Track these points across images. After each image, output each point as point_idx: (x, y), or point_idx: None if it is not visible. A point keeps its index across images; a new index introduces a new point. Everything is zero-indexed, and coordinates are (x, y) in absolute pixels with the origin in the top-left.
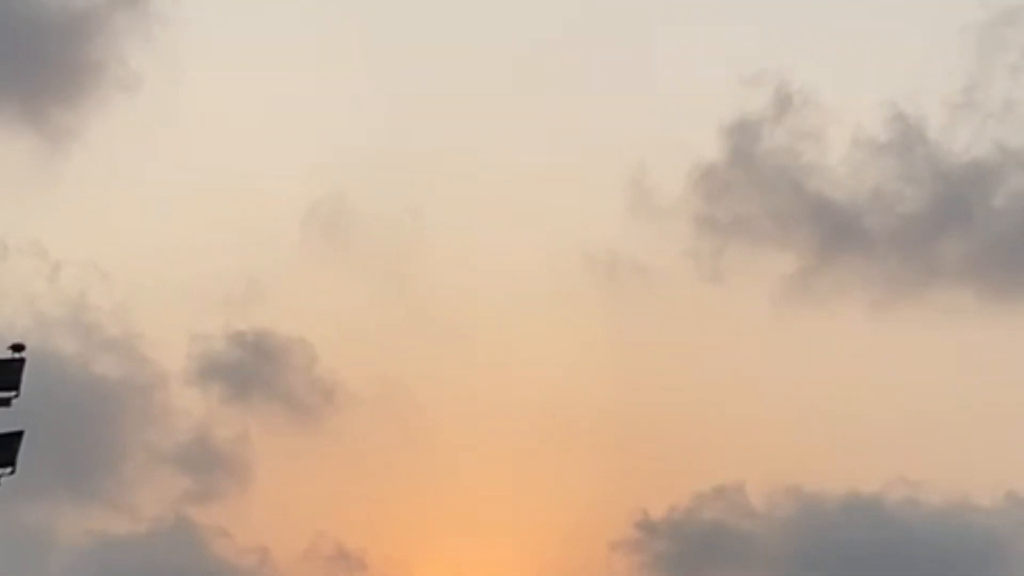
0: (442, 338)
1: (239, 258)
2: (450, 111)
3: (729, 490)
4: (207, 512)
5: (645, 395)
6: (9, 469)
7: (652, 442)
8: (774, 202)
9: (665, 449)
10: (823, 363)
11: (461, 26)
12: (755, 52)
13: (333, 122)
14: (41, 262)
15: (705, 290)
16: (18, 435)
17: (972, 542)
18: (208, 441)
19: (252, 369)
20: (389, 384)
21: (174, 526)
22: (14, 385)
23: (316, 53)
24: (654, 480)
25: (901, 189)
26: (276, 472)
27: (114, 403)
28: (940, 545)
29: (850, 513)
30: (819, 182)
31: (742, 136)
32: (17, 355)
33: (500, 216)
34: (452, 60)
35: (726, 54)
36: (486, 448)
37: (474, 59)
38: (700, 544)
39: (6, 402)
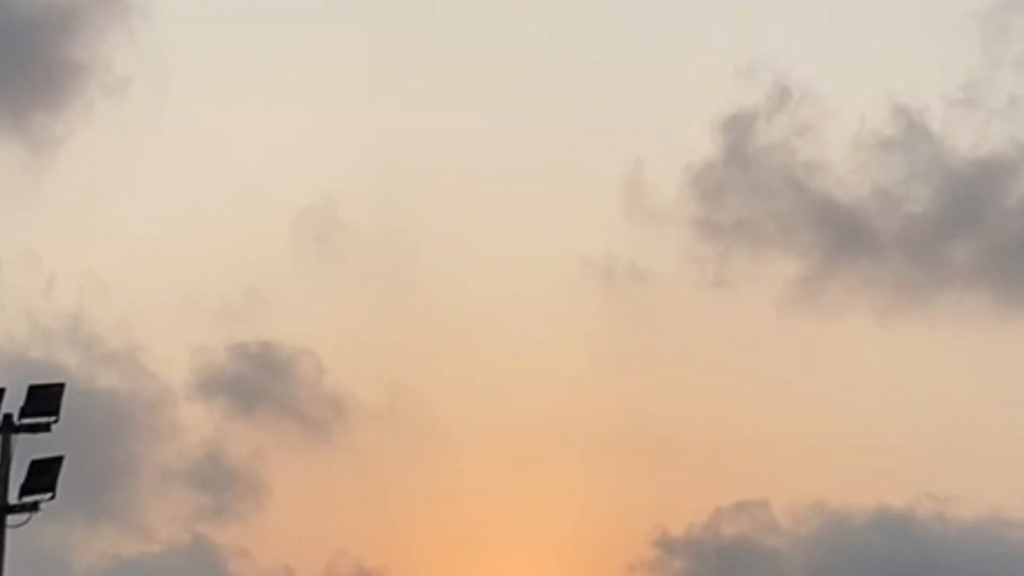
0: (447, 346)
1: (235, 265)
2: (441, 113)
3: (752, 506)
4: (224, 531)
5: (656, 406)
6: (49, 494)
7: (668, 456)
8: (775, 203)
9: (681, 464)
10: (836, 371)
11: (454, 30)
12: (749, 43)
13: (325, 123)
14: (36, 273)
15: (708, 296)
16: (58, 460)
17: (1004, 558)
18: (220, 458)
19: (259, 382)
20: (400, 394)
21: (191, 546)
22: (54, 410)
23: (308, 53)
24: (672, 496)
25: (908, 188)
26: (292, 489)
27: (120, 419)
28: (971, 562)
29: (878, 529)
30: (821, 181)
31: (738, 132)
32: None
33: (495, 221)
34: (443, 62)
35: (720, 45)
36: (500, 463)
37: (465, 62)
38: (723, 562)
39: (46, 427)
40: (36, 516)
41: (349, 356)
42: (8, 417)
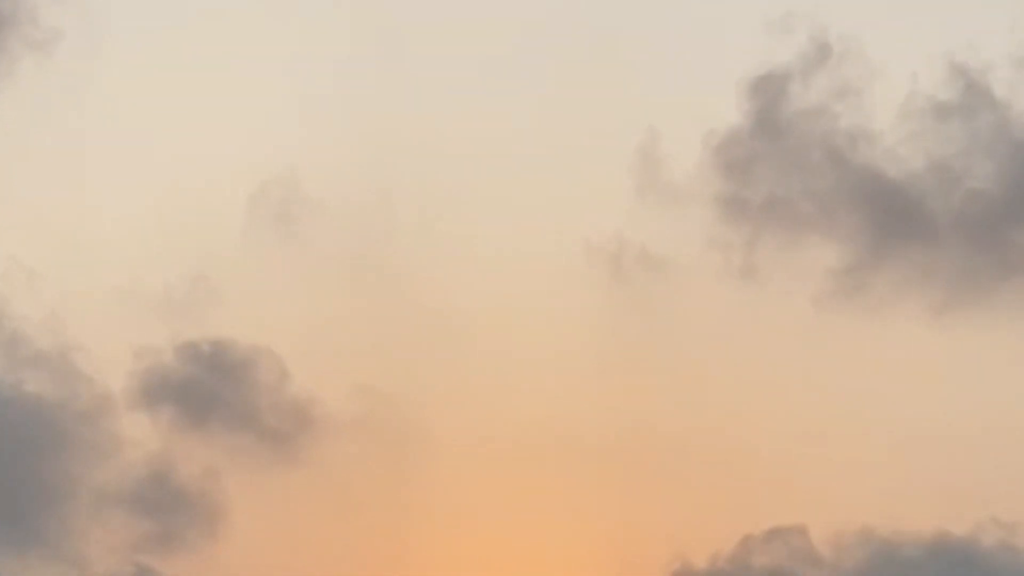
0: (430, 345)
1: (182, 250)
2: (424, 72)
3: (787, 533)
4: (172, 563)
5: (673, 416)
6: None
7: (687, 474)
8: (812, 179)
9: (703, 483)
10: (884, 376)
11: None
12: None
13: (287, 81)
14: None
15: (734, 288)
16: None
17: None
18: (167, 477)
19: (212, 387)
20: (377, 401)
21: None
22: None
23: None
24: (693, 521)
25: (969, 161)
26: (251, 512)
27: (50, 431)
28: None
29: (935, 560)
30: (866, 153)
31: (768, 95)
32: None
33: (487, 199)
34: (427, 12)
35: None
36: (492, 481)
37: (453, 14)
38: None
39: None
40: None
41: (316, 357)
42: None
